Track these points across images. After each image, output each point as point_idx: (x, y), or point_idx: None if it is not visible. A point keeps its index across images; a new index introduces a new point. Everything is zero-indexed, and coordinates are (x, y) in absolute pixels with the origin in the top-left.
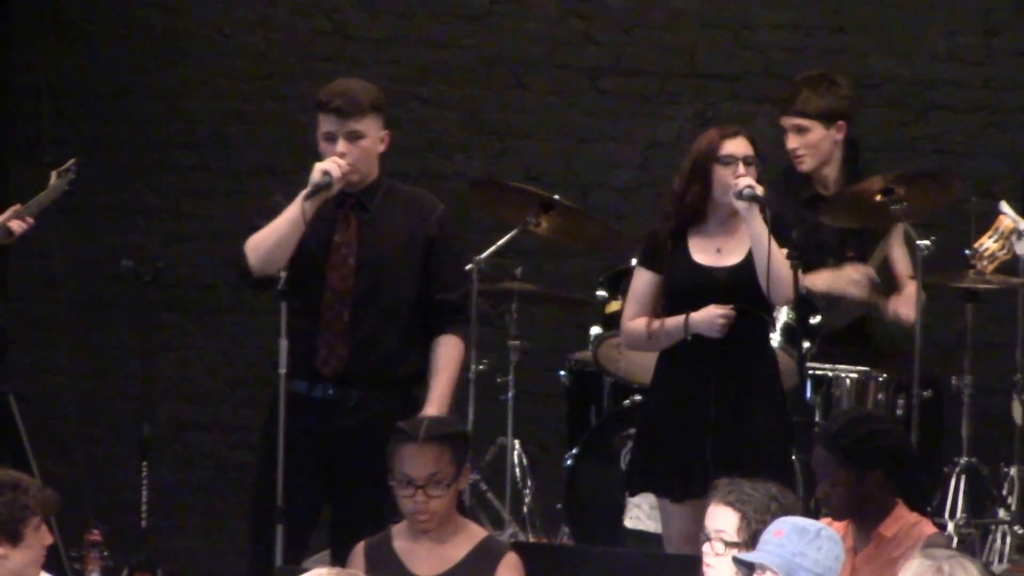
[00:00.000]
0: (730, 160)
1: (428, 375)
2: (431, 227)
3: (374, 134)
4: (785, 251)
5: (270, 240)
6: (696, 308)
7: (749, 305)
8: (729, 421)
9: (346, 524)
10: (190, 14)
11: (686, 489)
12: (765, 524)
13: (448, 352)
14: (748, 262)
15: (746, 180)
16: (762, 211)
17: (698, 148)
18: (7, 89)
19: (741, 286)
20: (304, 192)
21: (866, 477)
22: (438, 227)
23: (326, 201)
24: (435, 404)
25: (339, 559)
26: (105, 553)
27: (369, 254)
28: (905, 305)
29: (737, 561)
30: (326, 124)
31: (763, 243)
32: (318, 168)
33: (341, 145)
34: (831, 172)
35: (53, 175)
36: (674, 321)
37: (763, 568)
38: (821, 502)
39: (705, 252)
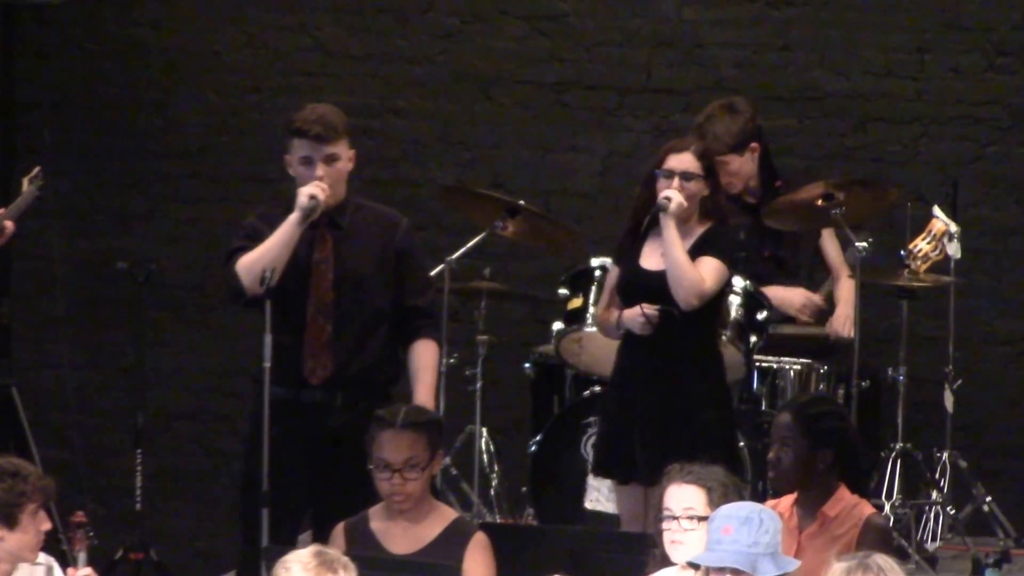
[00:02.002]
0: (669, 174)
1: (410, 376)
2: (400, 240)
3: (345, 155)
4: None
5: (263, 262)
6: (632, 306)
7: (675, 306)
8: (656, 413)
9: (329, 518)
10: (182, 33)
11: (627, 472)
12: (727, 499)
13: (428, 356)
14: None
15: (665, 192)
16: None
17: (651, 161)
18: (12, 102)
19: (666, 289)
20: (295, 217)
21: (818, 452)
22: (406, 240)
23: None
24: (424, 404)
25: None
26: (91, 533)
27: (346, 269)
28: (842, 324)
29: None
30: (303, 149)
31: (668, 250)
32: (304, 193)
33: (320, 169)
34: (754, 183)
35: (25, 182)
36: (617, 316)
37: (722, 570)
38: (771, 465)
39: (653, 255)
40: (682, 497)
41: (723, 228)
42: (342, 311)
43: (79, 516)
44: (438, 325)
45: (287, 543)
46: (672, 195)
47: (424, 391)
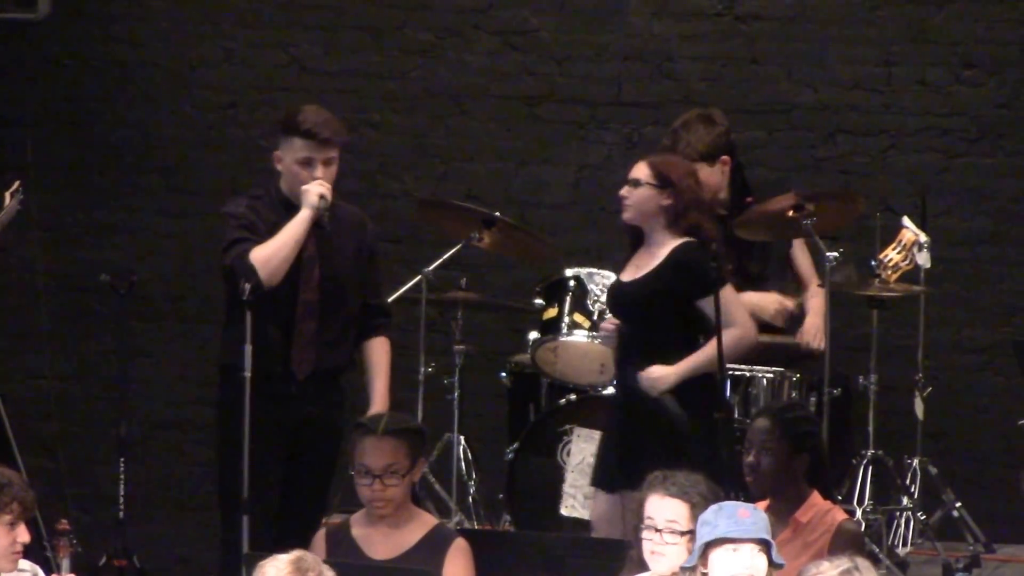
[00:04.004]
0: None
1: (368, 371)
2: (369, 239)
3: (338, 159)
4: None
5: (280, 256)
6: (616, 319)
7: (632, 319)
8: (631, 425)
9: (294, 507)
10: (160, 49)
11: (612, 482)
12: None
13: (384, 354)
14: (636, 282)
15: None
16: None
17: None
18: None
19: (624, 302)
20: (307, 215)
21: (796, 457)
22: (374, 240)
23: (286, 219)
24: (380, 402)
25: (286, 539)
26: (74, 541)
27: (329, 267)
28: (812, 336)
29: (720, 540)
30: (306, 150)
31: (708, 365)
32: (313, 192)
33: (320, 171)
34: (725, 195)
35: (7, 196)
36: None
37: (737, 544)
38: (749, 469)
39: (630, 268)
40: (665, 510)
41: (693, 247)
42: (325, 309)
43: (63, 524)
44: (391, 323)
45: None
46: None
47: (381, 391)
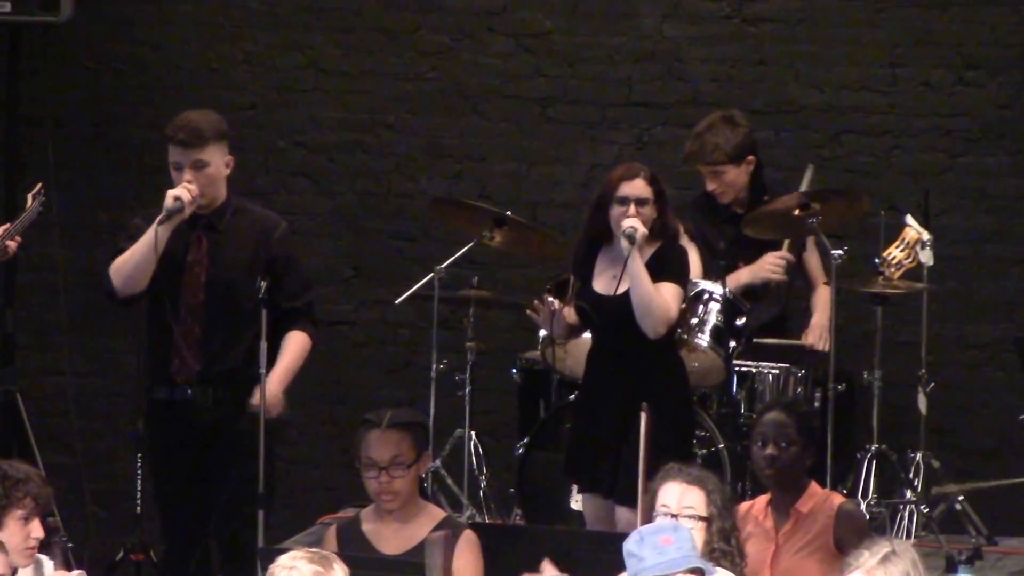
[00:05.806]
0: (624, 201)
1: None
2: (274, 246)
3: (219, 160)
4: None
5: (130, 263)
6: (593, 328)
7: (627, 331)
8: (616, 431)
9: (224, 515)
10: (181, 51)
11: (589, 482)
12: (723, 503)
13: (293, 340)
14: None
15: (630, 221)
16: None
17: (601, 186)
18: (17, 118)
19: (616, 313)
20: (159, 217)
21: (808, 450)
22: (280, 245)
23: (181, 222)
24: (276, 377)
25: (223, 551)
26: (64, 538)
27: (218, 271)
28: (817, 336)
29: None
30: (174, 155)
31: (636, 281)
32: (170, 195)
33: (188, 174)
34: (744, 194)
35: (29, 197)
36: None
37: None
38: (768, 462)
39: (604, 278)
40: (682, 496)
41: (672, 247)
42: (212, 312)
43: (52, 523)
44: (314, 321)
45: (185, 544)
46: (637, 225)
47: (280, 368)
